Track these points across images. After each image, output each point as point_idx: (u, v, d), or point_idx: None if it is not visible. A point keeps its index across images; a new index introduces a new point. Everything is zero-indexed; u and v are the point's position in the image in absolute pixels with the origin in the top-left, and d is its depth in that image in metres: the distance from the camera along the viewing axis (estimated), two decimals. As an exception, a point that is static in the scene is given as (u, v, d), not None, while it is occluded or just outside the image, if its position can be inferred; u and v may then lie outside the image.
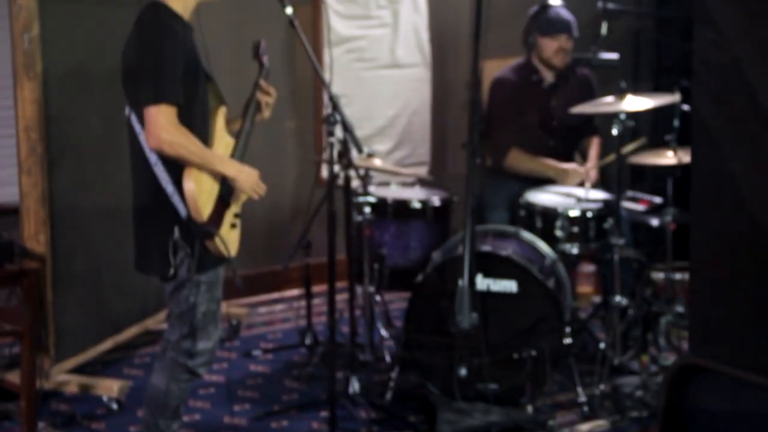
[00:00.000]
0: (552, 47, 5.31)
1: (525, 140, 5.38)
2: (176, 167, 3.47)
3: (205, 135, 3.57)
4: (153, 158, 3.49)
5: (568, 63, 5.36)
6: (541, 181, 5.20)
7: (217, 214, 3.56)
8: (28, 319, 4.33)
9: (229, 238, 3.61)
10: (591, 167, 5.25)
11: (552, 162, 5.27)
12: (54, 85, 4.49)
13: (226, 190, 3.60)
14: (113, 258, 4.77)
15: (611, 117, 4.69)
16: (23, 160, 4.43)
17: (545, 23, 5.31)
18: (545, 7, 5.36)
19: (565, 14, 5.32)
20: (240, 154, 3.72)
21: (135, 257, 3.67)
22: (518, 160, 5.33)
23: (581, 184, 5.07)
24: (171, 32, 3.47)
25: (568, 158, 5.43)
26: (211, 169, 3.51)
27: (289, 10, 3.95)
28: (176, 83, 3.41)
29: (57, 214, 4.53)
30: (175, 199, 3.48)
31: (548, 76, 5.41)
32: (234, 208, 3.67)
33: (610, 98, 4.80)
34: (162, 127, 3.37)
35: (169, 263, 3.51)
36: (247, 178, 3.64)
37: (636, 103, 4.67)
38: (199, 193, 3.46)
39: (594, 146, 5.48)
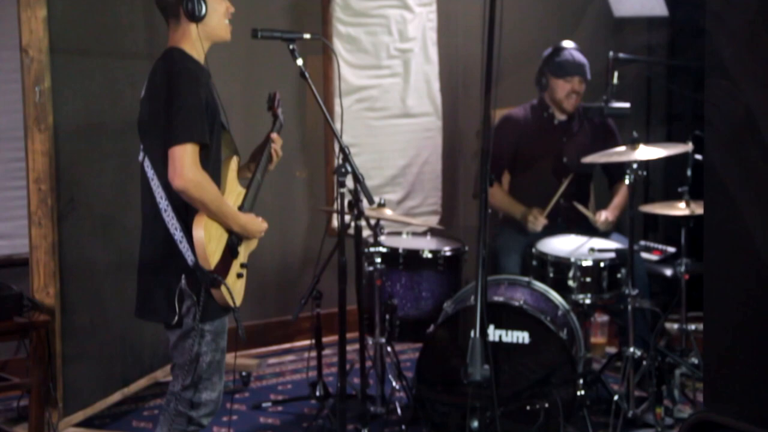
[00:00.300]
0: (565, 89, 5.32)
1: (533, 175, 5.36)
2: (186, 214, 3.46)
3: (217, 183, 3.56)
4: (163, 204, 3.48)
5: (578, 105, 5.36)
6: (553, 230, 5.17)
7: (224, 263, 3.54)
8: (36, 372, 4.31)
9: (235, 288, 3.59)
10: (604, 212, 5.23)
11: (517, 204, 5.30)
12: (65, 138, 4.50)
13: (235, 240, 3.59)
14: (122, 310, 4.73)
15: (624, 166, 4.67)
16: (33, 211, 4.43)
17: (558, 65, 5.33)
18: (559, 49, 5.38)
19: (579, 56, 5.34)
20: (250, 204, 3.71)
21: (137, 303, 3.64)
22: (494, 195, 5.34)
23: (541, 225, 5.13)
24: (192, 73, 3.47)
25: (580, 199, 5.40)
26: (221, 220, 3.51)
27: (299, 62, 3.96)
28: (202, 122, 3.41)
29: (66, 266, 4.52)
30: (183, 246, 3.47)
31: (559, 114, 5.41)
32: (241, 258, 3.65)
33: (622, 148, 4.79)
34: (188, 166, 3.36)
35: (175, 310, 3.49)
36: (254, 228, 3.65)
37: (648, 152, 4.65)
38: (207, 240, 3.45)
39: (620, 193, 5.44)
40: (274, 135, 3.89)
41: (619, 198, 5.42)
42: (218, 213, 3.48)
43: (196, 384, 3.58)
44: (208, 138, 3.43)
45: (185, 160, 3.36)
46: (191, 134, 3.38)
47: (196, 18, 3.55)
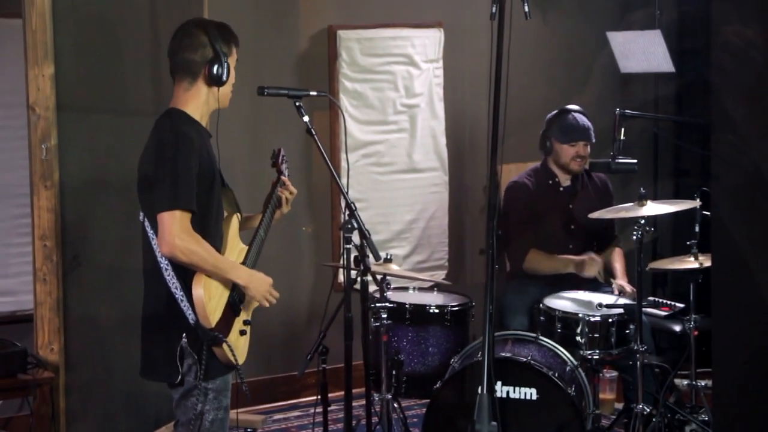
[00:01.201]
0: (569, 154, 5.32)
1: (544, 243, 5.35)
2: (186, 273, 3.45)
3: (217, 242, 3.56)
4: (164, 263, 3.48)
5: (584, 168, 5.37)
6: (561, 286, 5.15)
7: (225, 320, 3.52)
8: (40, 430, 4.27)
9: (238, 345, 3.57)
10: (622, 282, 5.20)
11: (569, 256, 5.26)
12: (70, 194, 4.51)
13: (236, 297, 3.58)
14: (127, 366, 4.70)
15: (631, 223, 4.66)
16: (39, 268, 4.43)
17: (563, 130, 5.32)
18: (563, 112, 5.38)
19: (583, 120, 5.33)
20: (253, 261, 3.70)
21: (141, 363, 3.63)
22: (537, 261, 5.30)
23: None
24: (186, 139, 3.47)
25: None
26: (222, 276, 3.50)
27: (306, 119, 3.97)
28: (190, 189, 3.42)
29: (71, 323, 4.51)
30: (184, 304, 3.46)
31: (564, 180, 5.41)
32: (244, 315, 3.63)
33: (629, 204, 4.78)
34: (175, 233, 3.37)
35: (177, 370, 3.47)
36: (259, 286, 3.62)
37: (655, 208, 4.64)
38: (207, 299, 3.43)
39: (618, 259, 5.43)
40: (284, 178, 3.91)
41: (619, 264, 5.41)
42: (215, 271, 3.47)
43: (201, 442, 3.55)
44: (196, 205, 3.42)
45: (173, 227, 3.37)
46: (180, 202, 3.39)
47: (220, 83, 3.57)
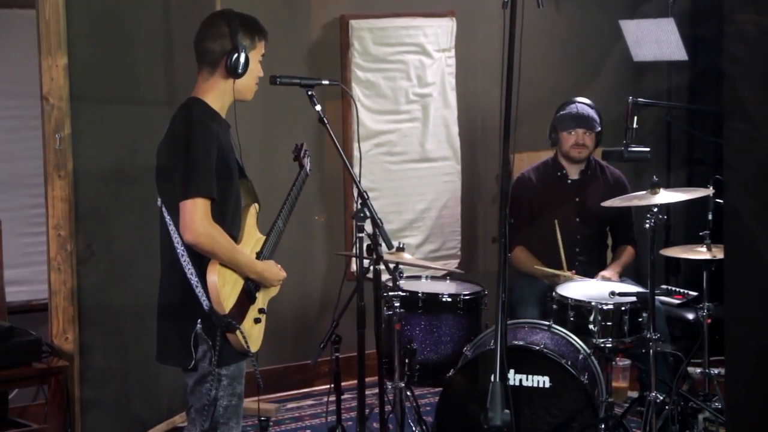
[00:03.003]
0: (569, 141, 5.36)
1: (551, 236, 5.36)
2: (201, 259, 3.48)
3: (234, 231, 3.58)
4: (180, 249, 3.50)
5: (586, 157, 5.36)
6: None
7: (239, 307, 3.54)
8: (55, 417, 4.30)
9: (252, 333, 3.59)
10: (604, 272, 5.21)
11: (545, 269, 5.25)
12: (84, 184, 4.53)
13: (252, 285, 3.60)
14: (141, 355, 4.73)
15: (644, 211, 4.65)
16: (53, 257, 4.45)
17: (562, 118, 5.40)
18: (566, 103, 5.43)
19: (583, 108, 5.36)
20: (270, 252, 3.72)
21: (157, 348, 3.66)
22: (519, 260, 5.38)
23: None
24: (206, 128, 3.50)
25: (600, 255, 5.39)
26: (237, 269, 3.53)
27: (318, 108, 3.97)
28: (210, 178, 3.44)
29: (85, 312, 4.53)
30: (199, 290, 3.48)
31: (572, 172, 5.42)
32: (259, 304, 3.65)
33: (642, 192, 4.77)
34: (198, 220, 3.40)
35: (191, 354, 3.49)
36: (270, 277, 3.67)
37: (668, 196, 4.63)
38: (221, 285, 3.46)
39: (622, 256, 5.43)
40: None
41: (623, 258, 5.42)
42: (231, 263, 3.51)
43: (214, 429, 3.57)
44: (216, 193, 3.45)
45: (195, 214, 3.39)
46: (201, 189, 3.42)
47: (236, 74, 3.58)
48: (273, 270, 3.69)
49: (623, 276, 5.31)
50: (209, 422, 3.55)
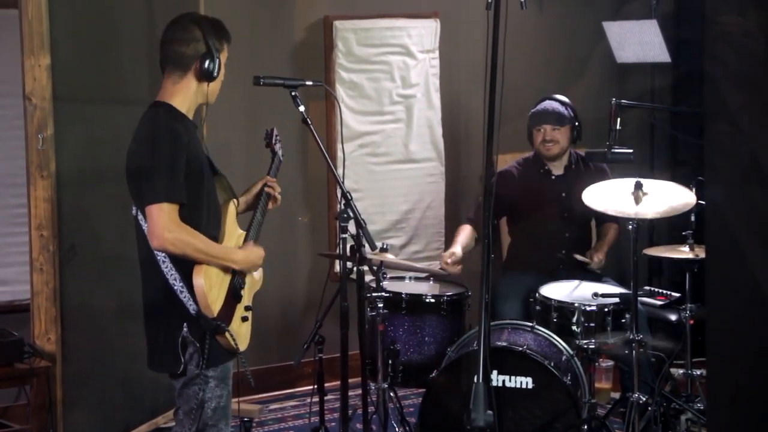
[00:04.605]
0: (538, 138, 5.38)
1: (539, 232, 5.37)
2: (185, 264, 3.46)
3: (214, 231, 3.57)
4: (160, 255, 3.48)
5: (557, 153, 5.37)
6: (556, 276, 5.16)
7: (227, 308, 3.53)
8: (37, 418, 4.29)
9: (240, 332, 3.58)
10: (593, 252, 5.22)
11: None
12: (66, 184, 4.51)
13: (238, 283, 3.59)
14: (123, 355, 4.72)
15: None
16: (35, 257, 4.44)
17: (532, 115, 5.43)
18: (539, 100, 5.44)
19: (552, 105, 5.37)
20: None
21: (147, 355, 3.63)
22: (457, 232, 5.38)
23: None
24: (173, 133, 3.47)
25: (582, 245, 5.39)
26: (218, 263, 3.50)
27: (301, 108, 3.98)
28: (177, 181, 3.42)
29: (68, 312, 4.52)
30: (184, 295, 3.46)
31: (556, 168, 5.43)
32: (245, 301, 3.64)
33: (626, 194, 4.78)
34: (164, 226, 3.37)
35: (179, 360, 3.47)
36: (255, 262, 3.67)
37: (651, 208, 4.65)
38: (208, 288, 3.44)
39: (608, 233, 5.44)
40: (269, 179, 3.92)
41: (609, 235, 5.42)
42: (209, 259, 3.48)
43: (203, 431, 3.55)
44: (186, 196, 3.43)
45: (161, 219, 3.37)
46: (166, 194, 3.39)
47: (210, 78, 3.57)
48: (254, 250, 3.66)
49: (606, 272, 5.29)
50: (198, 425, 3.55)
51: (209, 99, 3.65)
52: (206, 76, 3.56)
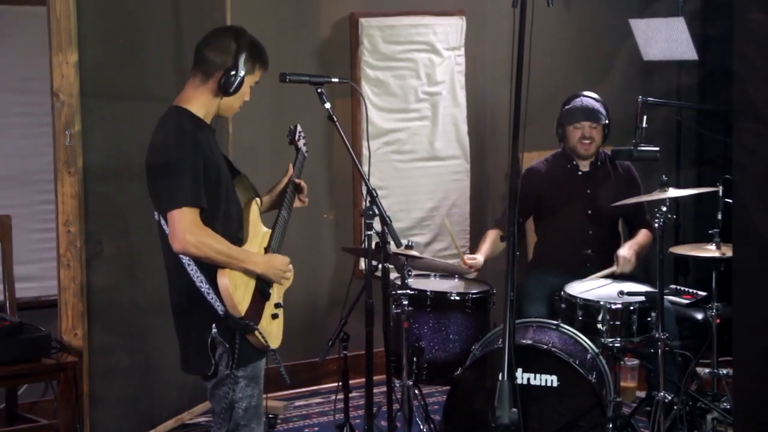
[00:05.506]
0: (575, 135, 5.34)
1: (562, 228, 5.35)
2: (210, 266, 3.46)
3: (235, 232, 3.58)
4: (185, 259, 3.48)
5: (594, 152, 5.35)
6: (581, 274, 5.14)
7: (255, 307, 3.53)
8: (64, 413, 4.31)
9: (271, 329, 3.58)
10: (622, 252, 5.19)
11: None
12: (94, 180, 4.54)
13: (264, 282, 3.58)
14: (149, 351, 4.75)
15: (653, 210, 4.66)
16: (62, 254, 4.46)
17: (568, 112, 5.39)
18: (572, 97, 5.42)
19: (589, 102, 5.34)
20: (278, 243, 3.70)
21: (180, 358, 3.64)
22: (485, 238, 5.40)
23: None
24: (190, 137, 3.48)
25: (610, 247, 5.37)
26: (238, 266, 3.50)
27: (327, 105, 3.98)
28: (197, 186, 3.42)
29: (94, 308, 4.54)
30: (211, 297, 3.47)
31: (583, 165, 5.41)
32: (274, 299, 3.64)
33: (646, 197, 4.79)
34: (185, 229, 3.38)
35: (210, 361, 3.48)
36: (276, 272, 3.62)
37: (676, 191, 4.64)
38: (234, 288, 3.44)
39: (641, 235, 5.39)
40: (296, 179, 3.92)
41: (639, 237, 5.37)
42: (230, 262, 3.47)
43: (236, 430, 3.56)
44: (206, 201, 3.43)
45: (182, 223, 3.38)
46: (185, 199, 3.40)
47: (226, 92, 3.56)
48: (275, 263, 3.62)
49: (635, 272, 5.26)
50: (229, 425, 3.55)
51: (222, 112, 3.64)
52: (223, 89, 3.55)
